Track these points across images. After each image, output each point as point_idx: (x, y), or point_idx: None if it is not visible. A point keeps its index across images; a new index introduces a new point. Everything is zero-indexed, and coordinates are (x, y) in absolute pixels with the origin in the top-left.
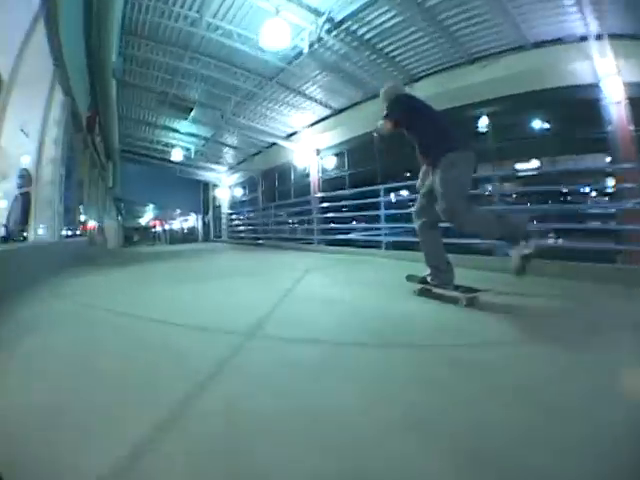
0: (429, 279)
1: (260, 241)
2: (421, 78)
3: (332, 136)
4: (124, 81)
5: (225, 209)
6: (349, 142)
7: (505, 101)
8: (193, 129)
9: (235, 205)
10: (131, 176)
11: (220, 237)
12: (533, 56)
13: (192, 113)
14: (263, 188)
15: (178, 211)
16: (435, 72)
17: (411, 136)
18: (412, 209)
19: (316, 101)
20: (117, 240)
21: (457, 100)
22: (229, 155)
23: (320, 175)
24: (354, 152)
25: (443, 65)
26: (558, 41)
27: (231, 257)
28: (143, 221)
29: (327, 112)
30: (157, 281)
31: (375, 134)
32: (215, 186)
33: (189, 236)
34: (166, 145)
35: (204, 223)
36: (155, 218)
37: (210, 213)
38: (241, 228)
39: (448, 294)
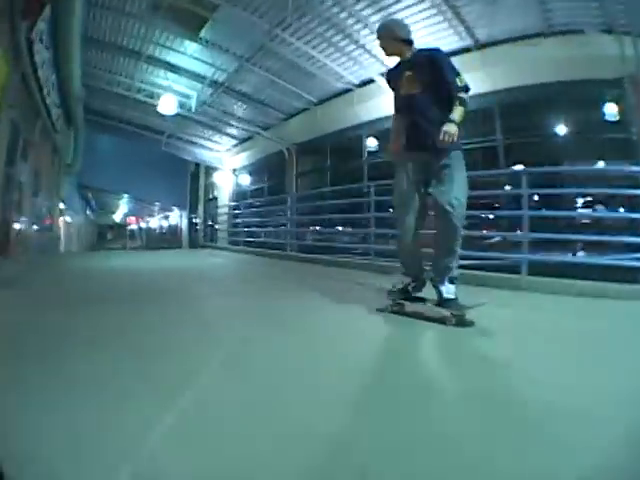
0: (410, 288)
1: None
2: None
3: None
4: None
5: (225, 201)
6: (507, 93)
7: None
8: (204, 60)
9: (242, 196)
10: (100, 154)
11: (214, 242)
12: None
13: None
14: (299, 170)
15: (157, 205)
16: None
17: (432, 111)
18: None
19: (449, 21)
20: (86, 240)
21: None
22: (243, 118)
23: None
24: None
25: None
26: None
27: None
28: (117, 217)
29: (461, 44)
30: None
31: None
32: (210, 170)
33: (170, 238)
34: (151, 96)
35: (190, 222)
36: (130, 214)
37: (200, 208)
38: (250, 229)
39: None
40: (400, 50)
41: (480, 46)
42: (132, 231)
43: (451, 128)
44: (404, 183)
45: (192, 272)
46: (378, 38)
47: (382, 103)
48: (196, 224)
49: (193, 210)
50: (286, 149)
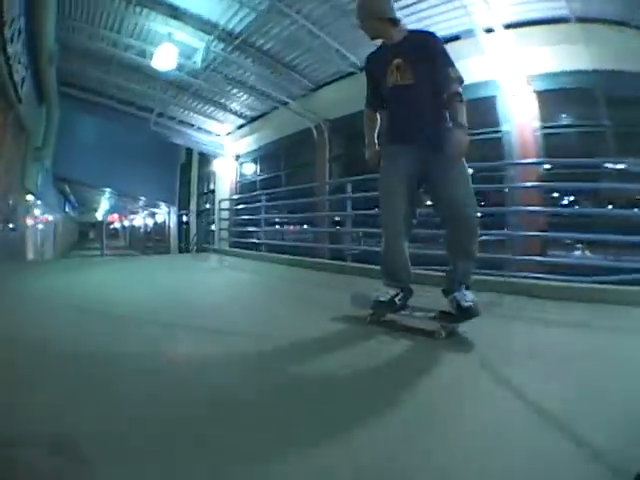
0: (398, 300)
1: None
2: None
3: None
4: None
5: (225, 195)
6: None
7: None
8: None
9: (248, 189)
10: (79, 140)
11: (212, 244)
12: None
13: None
14: (333, 153)
15: (142, 201)
16: None
17: (429, 104)
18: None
19: None
20: (65, 241)
21: None
22: (258, 87)
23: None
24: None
25: None
26: None
27: None
28: (100, 214)
29: (556, 12)
30: None
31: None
32: (206, 158)
33: (156, 237)
34: (143, 54)
35: (180, 220)
36: (112, 211)
37: (193, 204)
38: (269, 229)
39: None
40: (386, 31)
41: (578, 19)
42: (115, 230)
43: (463, 137)
44: (393, 177)
45: (242, 316)
46: (358, 19)
47: (469, 66)
48: (186, 222)
49: (184, 206)
50: (315, 127)
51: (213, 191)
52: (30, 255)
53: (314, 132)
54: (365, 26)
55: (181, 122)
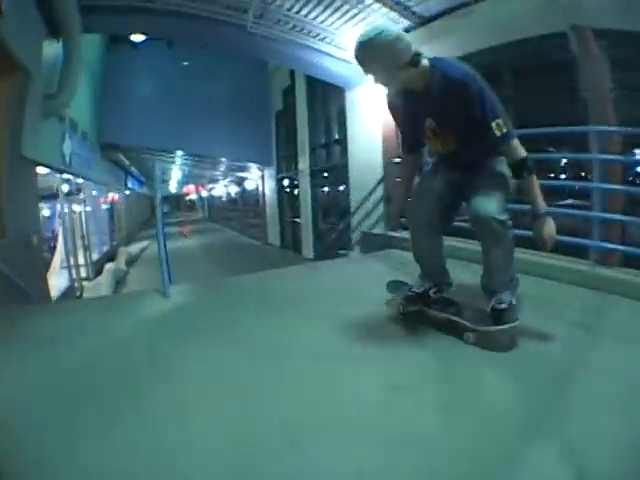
0: (432, 293)
1: None
2: None
3: None
4: None
5: (366, 144)
6: None
7: None
8: None
9: None
10: (129, 89)
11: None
12: None
13: None
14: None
15: (223, 164)
16: None
17: (480, 153)
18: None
19: None
20: (131, 222)
21: None
22: None
23: None
24: None
25: None
26: None
27: None
28: (172, 185)
29: None
30: None
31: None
32: (320, 96)
33: (243, 207)
34: None
35: (280, 187)
36: (185, 180)
37: (304, 162)
38: None
39: (449, 322)
40: (405, 79)
41: None
42: (191, 201)
43: (552, 228)
44: (431, 175)
45: None
46: (363, 65)
47: None
48: (293, 187)
49: (285, 167)
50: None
51: (339, 140)
52: (55, 281)
53: (572, 40)
54: (376, 75)
55: (293, 30)
